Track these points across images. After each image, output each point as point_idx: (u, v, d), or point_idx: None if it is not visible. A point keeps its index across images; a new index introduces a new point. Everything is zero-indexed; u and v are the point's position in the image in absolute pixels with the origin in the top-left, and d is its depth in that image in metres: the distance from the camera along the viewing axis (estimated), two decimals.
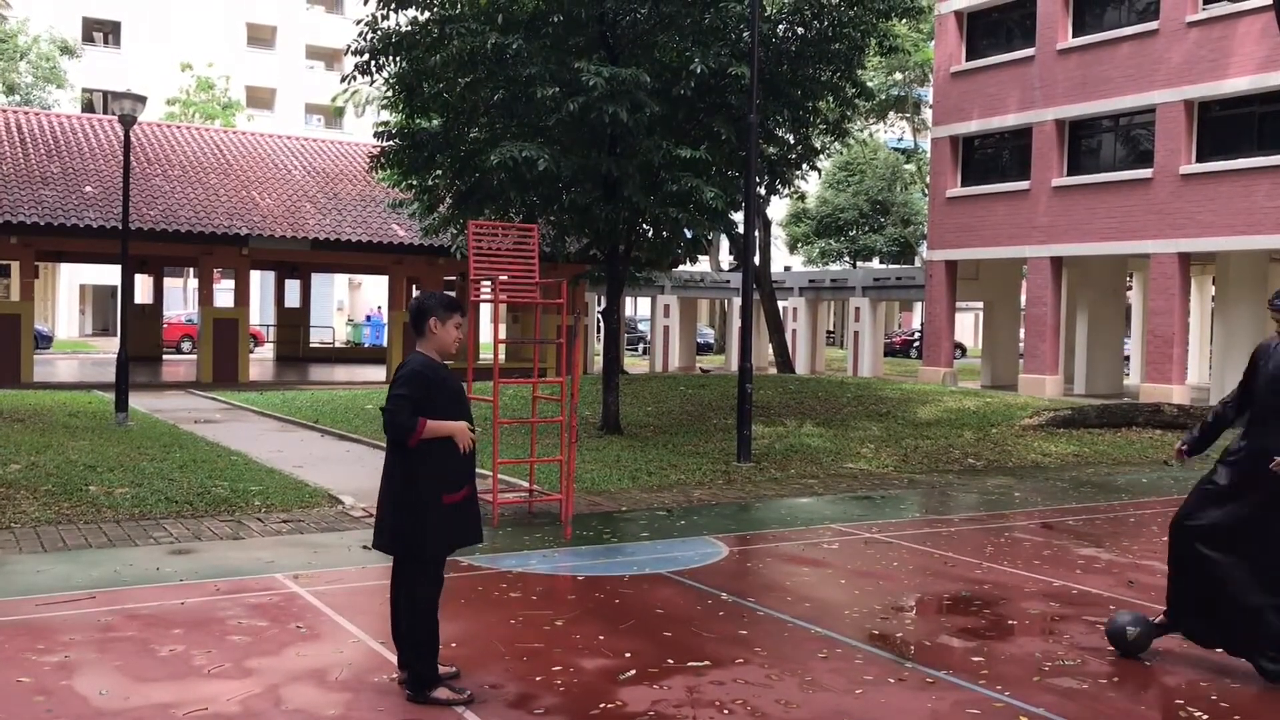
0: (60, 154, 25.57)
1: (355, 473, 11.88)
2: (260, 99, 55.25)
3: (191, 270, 44.05)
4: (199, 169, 26.78)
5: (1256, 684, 5.45)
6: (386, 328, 30.31)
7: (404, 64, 14.93)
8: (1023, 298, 27.52)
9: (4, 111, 28.13)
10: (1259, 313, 23.02)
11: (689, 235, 17.27)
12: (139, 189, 23.82)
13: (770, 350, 32.49)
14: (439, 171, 16.02)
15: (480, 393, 11.03)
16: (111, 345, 36.33)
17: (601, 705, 4.98)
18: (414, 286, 31.14)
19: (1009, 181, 25.23)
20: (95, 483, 10.26)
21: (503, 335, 23.46)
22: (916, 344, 45.97)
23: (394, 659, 5.51)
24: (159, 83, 43.76)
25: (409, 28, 14.81)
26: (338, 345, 42.30)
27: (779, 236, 47.38)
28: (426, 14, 14.82)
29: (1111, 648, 5.87)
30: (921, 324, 38.92)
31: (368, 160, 17.22)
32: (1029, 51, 24.63)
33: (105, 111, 41.44)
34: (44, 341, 35.69)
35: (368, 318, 47.65)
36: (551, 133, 14.50)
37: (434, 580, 5.06)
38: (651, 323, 36.84)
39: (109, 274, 46.38)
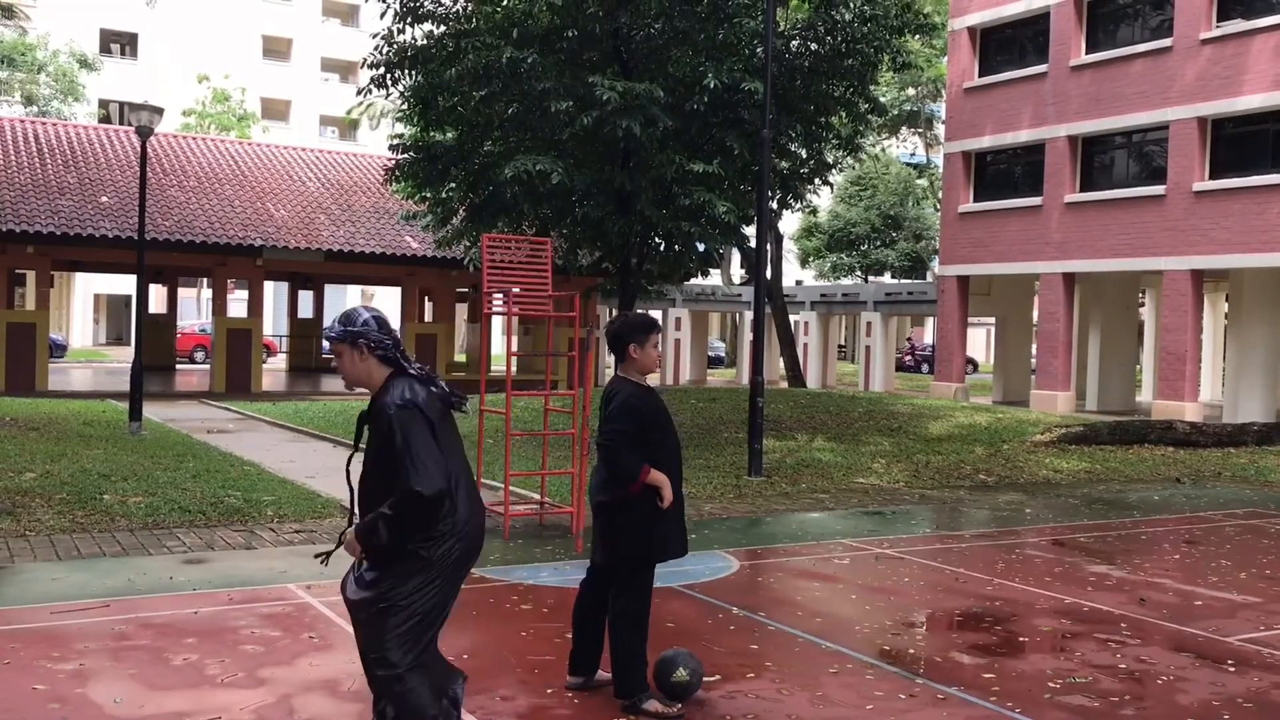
0: (77, 164, 25.76)
1: None
2: (275, 111, 55.61)
3: (206, 280, 44.21)
4: (214, 180, 26.95)
5: (1268, 705, 5.44)
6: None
7: (419, 77, 15.03)
8: (1035, 313, 27.48)
9: (21, 122, 28.38)
10: (1273, 330, 22.95)
11: (701, 249, 17.31)
12: (155, 200, 23.98)
13: (782, 364, 32.49)
14: (453, 184, 16.12)
15: (492, 405, 11.07)
16: (126, 354, 36.50)
17: (613, 719, 4.99)
18: (426, 298, 31.25)
19: (1022, 197, 25.21)
20: (109, 491, 10.31)
21: (515, 348, 23.50)
22: (920, 357, 45.91)
23: None
24: (175, 94, 44.10)
25: (425, 42, 14.92)
26: None
27: (791, 250, 47.39)
28: (442, 28, 14.93)
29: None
30: (933, 339, 38.87)
31: (382, 172, 17.33)
32: (1042, 68, 24.63)
33: (122, 122, 41.75)
34: (59, 350, 35.90)
35: None
36: (565, 146, 14.57)
37: (645, 588, 5.06)
38: (663, 336, 36.89)
39: (124, 283, 46.65)
